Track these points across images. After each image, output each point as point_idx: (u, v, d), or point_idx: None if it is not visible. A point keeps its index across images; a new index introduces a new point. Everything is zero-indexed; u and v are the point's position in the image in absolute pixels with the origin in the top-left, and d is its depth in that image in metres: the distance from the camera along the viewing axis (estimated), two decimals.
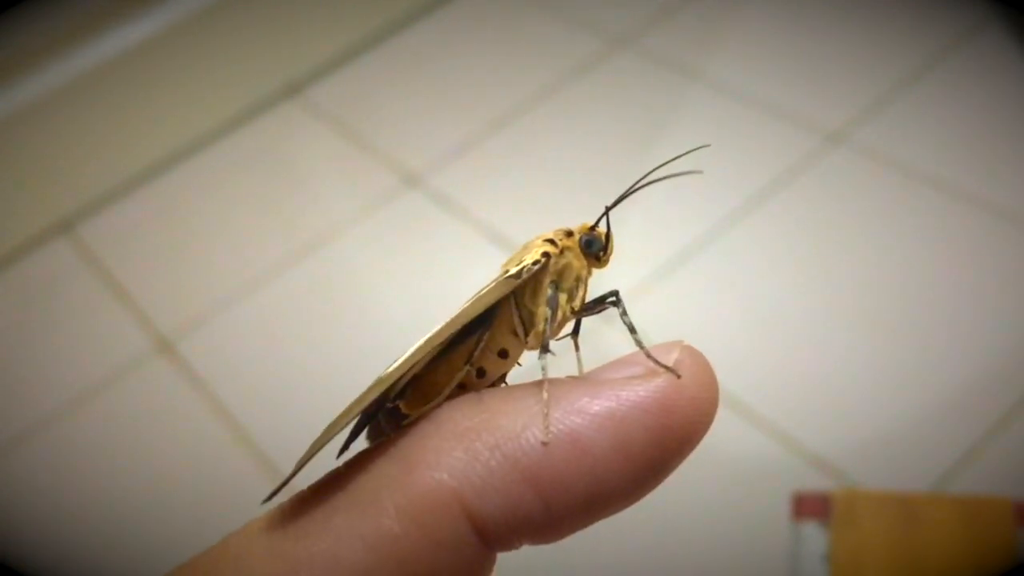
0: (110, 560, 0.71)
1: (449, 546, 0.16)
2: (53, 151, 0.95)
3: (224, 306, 0.86)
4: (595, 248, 0.20)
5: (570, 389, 0.17)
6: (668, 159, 0.21)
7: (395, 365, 0.18)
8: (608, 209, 0.21)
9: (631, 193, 0.21)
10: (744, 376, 0.71)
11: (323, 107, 1.02)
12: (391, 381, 0.18)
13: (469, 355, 0.19)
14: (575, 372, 0.19)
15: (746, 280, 0.80)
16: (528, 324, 0.20)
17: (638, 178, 0.21)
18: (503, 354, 0.20)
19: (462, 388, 0.19)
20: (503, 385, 0.20)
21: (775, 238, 0.82)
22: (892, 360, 0.72)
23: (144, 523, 0.73)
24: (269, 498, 0.18)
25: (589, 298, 0.20)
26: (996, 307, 0.74)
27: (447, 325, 0.19)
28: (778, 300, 0.78)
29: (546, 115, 0.97)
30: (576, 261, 0.20)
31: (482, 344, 0.19)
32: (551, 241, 0.20)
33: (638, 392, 0.17)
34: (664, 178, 0.21)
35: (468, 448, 0.16)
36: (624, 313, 0.20)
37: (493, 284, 0.19)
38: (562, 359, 0.20)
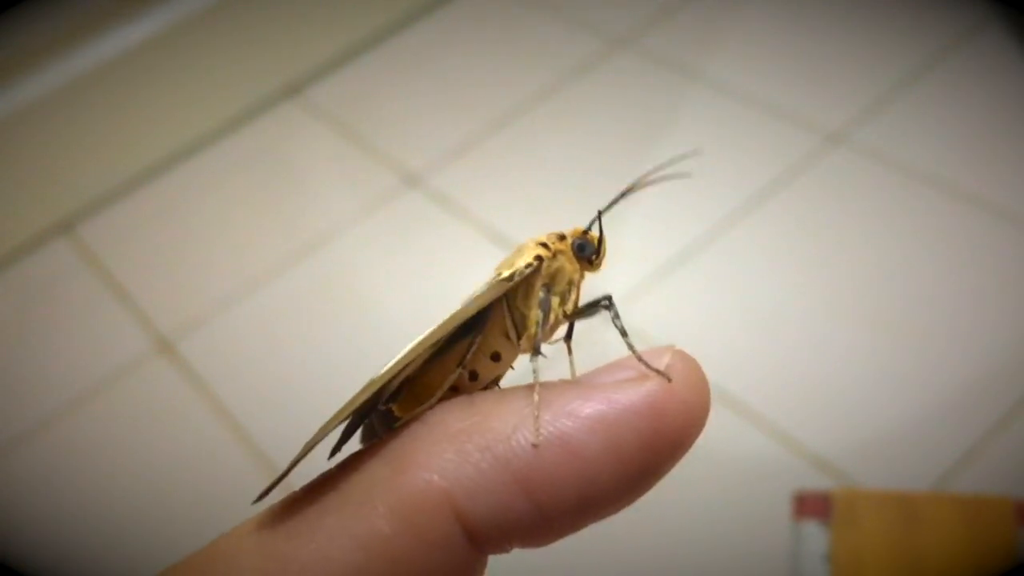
0: (110, 560, 0.71)
1: (439, 547, 0.16)
2: (53, 151, 0.95)
3: (224, 306, 0.86)
4: (588, 252, 0.20)
5: (561, 392, 0.17)
6: (666, 160, 0.21)
7: (388, 367, 0.18)
8: (600, 213, 0.21)
9: (623, 197, 0.22)
10: (744, 376, 0.71)
11: (323, 107, 1.02)
12: (383, 382, 0.18)
13: (462, 358, 0.19)
14: (568, 376, 0.19)
15: (746, 280, 0.80)
16: (521, 327, 0.20)
17: (636, 178, 0.21)
18: (496, 357, 0.20)
19: (455, 391, 0.19)
20: (496, 388, 0.20)
21: (775, 238, 0.82)
22: (892, 360, 0.72)
23: (144, 523, 0.73)
24: (260, 498, 0.18)
25: (583, 302, 0.20)
26: (996, 307, 0.74)
27: (440, 327, 0.19)
28: (778, 300, 0.78)
29: (546, 115, 0.97)
30: (569, 265, 0.20)
31: (474, 347, 0.19)
32: (544, 245, 0.20)
33: (629, 396, 0.17)
34: (654, 182, 0.21)
35: (459, 449, 0.16)
36: (616, 317, 0.20)
37: (486, 287, 0.19)
38: (556, 363, 0.20)
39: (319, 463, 0.18)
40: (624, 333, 0.19)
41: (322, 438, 0.18)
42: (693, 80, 0.96)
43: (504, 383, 0.20)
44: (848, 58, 0.95)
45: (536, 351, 0.19)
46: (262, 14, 1.02)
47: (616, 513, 0.17)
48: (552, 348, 0.20)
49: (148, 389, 0.81)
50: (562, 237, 0.20)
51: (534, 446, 0.16)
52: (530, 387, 0.17)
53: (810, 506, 0.61)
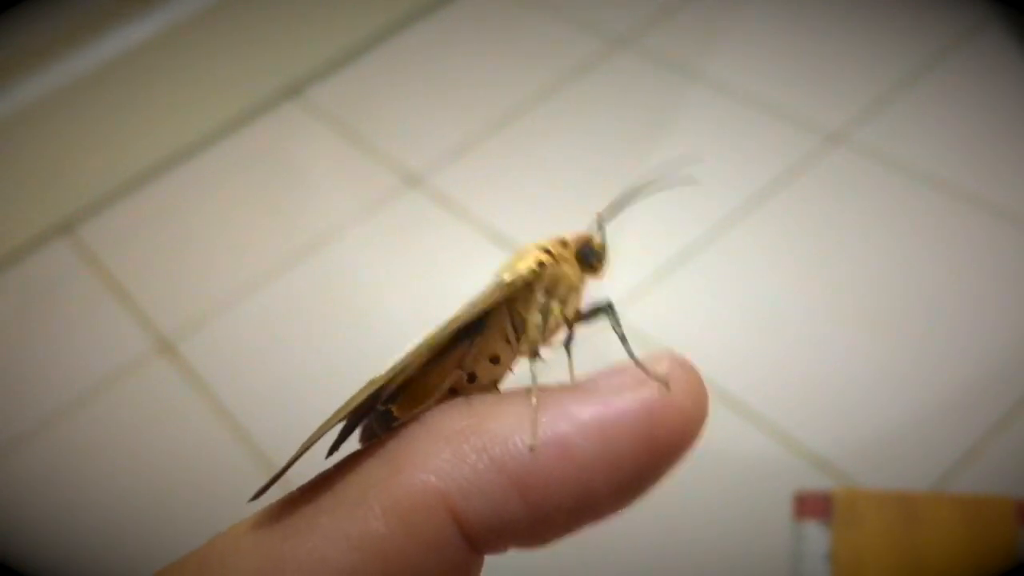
0: (110, 560, 0.71)
1: (435, 547, 0.16)
2: (53, 152, 0.95)
3: (225, 306, 0.86)
4: (591, 259, 0.20)
5: (559, 396, 0.17)
6: (668, 163, 0.21)
7: (388, 367, 0.18)
8: (604, 220, 0.21)
9: (627, 204, 0.22)
10: (744, 376, 0.71)
11: (323, 108, 1.02)
12: (382, 383, 0.18)
13: (461, 360, 0.19)
14: (566, 380, 0.19)
15: (746, 280, 0.80)
16: (521, 331, 0.20)
17: (636, 179, 0.21)
18: (495, 360, 0.20)
19: (453, 392, 0.20)
20: (494, 391, 0.20)
21: (775, 238, 0.82)
22: (892, 359, 0.72)
23: (144, 523, 0.73)
24: (256, 496, 0.18)
25: (584, 306, 0.20)
26: (996, 307, 0.74)
27: (440, 329, 0.19)
28: (778, 300, 0.78)
29: (546, 115, 0.97)
30: (571, 271, 0.20)
31: (474, 349, 0.19)
32: (547, 251, 0.20)
33: (626, 401, 0.17)
34: (659, 189, 0.21)
35: (455, 451, 0.16)
36: (617, 324, 0.20)
37: (487, 290, 0.19)
38: (555, 367, 0.20)
39: (317, 463, 0.18)
40: (624, 339, 0.19)
41: (320, 437, 0.18)
42: (693, 80, 0.96)
43: (503, 386, 0.20)
44: (848, 58, 0.95)
45: (535, 355, 0.19)
46: (262, 14, 1.02)
47: (612, 516, 0.17)
48: (551, 352, 0.20)
49: (148, 389, 0.81)
50: (565, 243, 0.20)
51: (530, 449, 0.16)
52: (528, 390, 0.17)
53: (811, 506, 0.61)
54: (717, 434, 0.75)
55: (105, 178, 0.97)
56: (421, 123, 0.99)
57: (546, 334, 0.20)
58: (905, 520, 0.59)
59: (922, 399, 0.69)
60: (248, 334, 0.84)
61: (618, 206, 0.21)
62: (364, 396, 0.18)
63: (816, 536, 0.60)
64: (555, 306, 0.20)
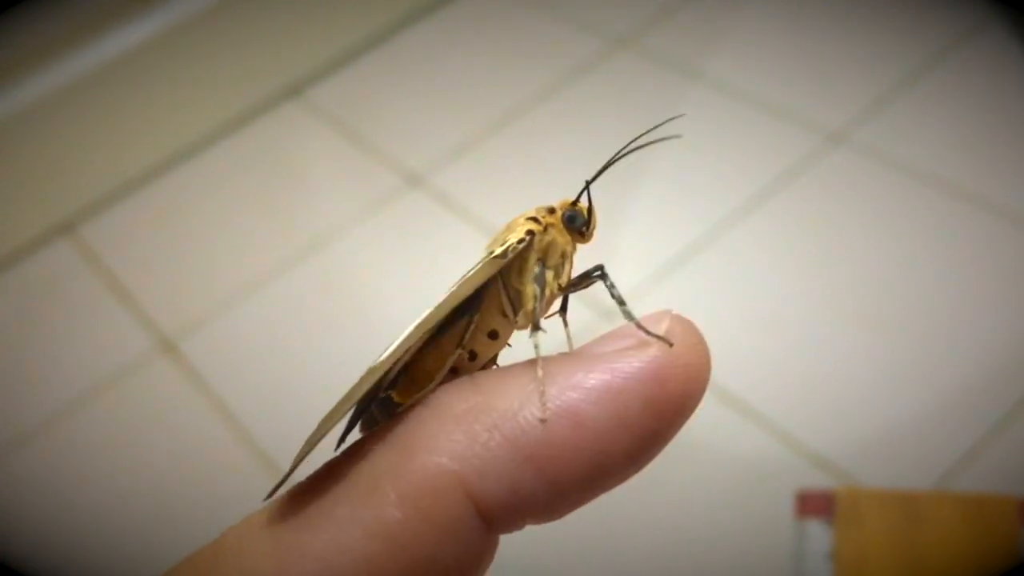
0: (111, 560, 0.71)
1: (452, 530, 0.16)
2: (54, 152, 0.95)
3: (226, 306, 0.86)
4: (578, 223, 0.20)
5: (564, 365, 0.17)
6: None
7: (386, 354, 0.18)
8: (588, 183, 0.21)
9: (611, 164, 0.22)
10: (745, 376, 0.71)
11: (324, 107, 1.02)
12: (384, 370, 0.18)
13: (460, 339, 0.19)
14: (563, 349, 0.19)
15: (746, 280, 0.80)
16: (516, 304, 0.20)
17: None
18: (493, 335, 0.20)
19: (454, 372, 0.19)
20: (494, 367, 0.20)
21: (775, 238, 0.82)
22: (893, 358, 0.72)
23: (146, 523, 0.73)
24: (270, 495, 0.18)
25: (575, 274, 0.20)
26: (996, 307, 0.74)
27: (436, 310, 0.19)
28: (778, 300, 0.78)
29: (546, 115, 0.97)
30: (560, 237, 0.20)
31: (473, 326, 0.19)
32: (534, 219, 0.20)
33: (633, 364, 0.17)
34: (644, 145, 0.21)
35: (467, 430, 0.16)
36: (612, 286, 0.20)
37: (479, 266, 0.19)
38: (547, 337, 0.20)
39: (324, 455, 0.18)
40: (622, 302, 0.19)
41: (327, 432, 0.18)
42: (693, 80, 0.96)
43: (500, 360, 0.20)
44: (848, 58, 0.95)
45: (536, 326, 0.19)
46: (262, 14, 1.02)
47: (625, 481, 0.17)
48: (545, 322, 0.20)
49: (150, 389, 0.81)
50: (551, 210, 0.20)
51: (542, 421, 0.16)
52: (532, 363, 0.17)
53: (813, 505, 0.61)
54: (718, 433, 0.75)
55: (106, 178, 0.97)
56: (421, 123, 0.99)
57: (542, 304, 0.20)
58: (907, 519, 0.59)
59: (923, 398, 0.69)
60: (249, 333, 0.84)
61: (604, 168, 0.21)
62: (367, 386, 0.18)
63: (818, 535, 0.60)
64: (549, 275, 0.20)
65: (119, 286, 0.90)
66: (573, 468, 0.16)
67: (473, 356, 0.20)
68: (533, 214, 0.20)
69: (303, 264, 0.88)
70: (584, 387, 0.17)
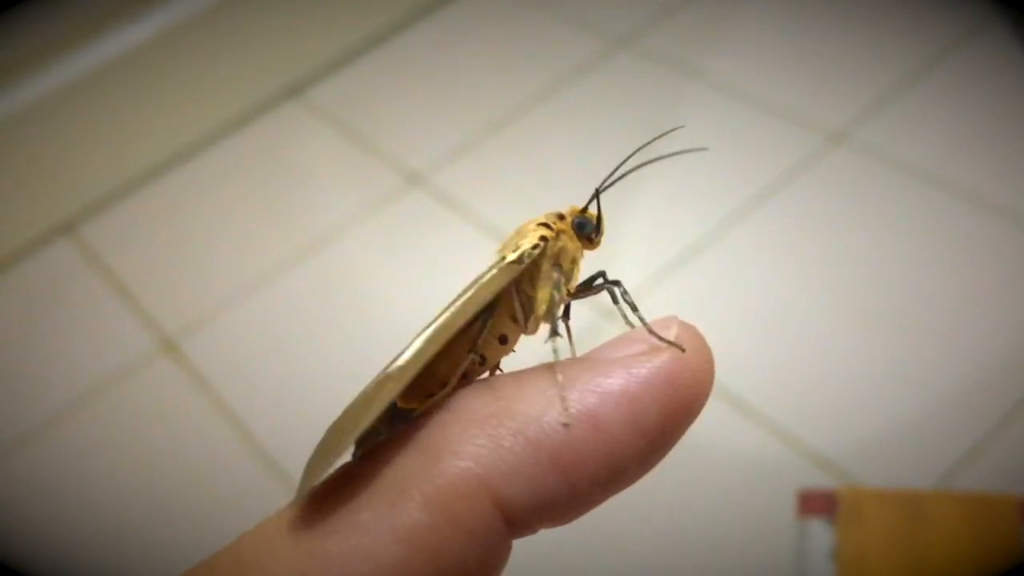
0: (112, 560, 0.71)
1: (478, 534, 0.16)
2: (55, 152, 0.95)
3: (227, 306, 0.86)
4: (588, 230, 0.21)
5: (582, 370, 0.17)
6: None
7: (405, 361, 0.18)
8: (598, 191, 0.21)
9: (622, 177, 0.22)
10: (746, 375, 0.71)
11: (324, 107, 1.02)
12: (407, 380, 0.18)
13: (472, 343, 0.19)
14: (551, 357, 0.19)
15: (747, 280, 0.80)
16: (527, 309, 0.20)
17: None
18: (503, 340, 0.20)
19: (464, 377, 0.20)
20: (498, 372, 0.20)
21: (775, 238, 0.82)
22: (894, 358, 0.72)
23: (147, 523, 0.73)
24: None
25: (580, 281, 0.21)
26: (996, 306, 0.74)
27: (453, 316, 0.19)
28: (779, 300, 0.78)
29: (546, 115, 0.97)
30: (571, 244, 0.20)
31: (486, 331, 0.19)
32: (546, 225, 0.20)
33: (648, 368, 0.17)
34: (662, 157, 0.22)
35: (491, 435, 0.17)
36: (625, 292, 0.20)
37: (495, 271, 0.19)
38: (533, 343, 0.21)
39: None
40: (634, 307, 0.20)
41: (349, 444, 0.18)
42: (693, 80, 0.96)
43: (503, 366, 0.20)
44: (848, 58, 0.95)
45: (554, 331, 0.19)
46: (262, 14, 1.02)
47: (635, 482, 0.17)
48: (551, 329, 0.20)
49: (151, 389, 0.81)
50: (561, 216, 0.21)
51: (565, 425, 0.17)
52: (547, 367, 0.18)
53: (815, 504, 0.61)
54: (720, 434, 0.75)
55: (106, 178, 0.97)
56: (421, 123, 0.99)
57: (555, 309, 0.20)
58: (909, 518, 0.59)
59: (924, 397, 0.69)
60: (250, 333, 0.84)
61: (615, 178, 0.22)
62: (389, 396, 0.18)
63: (820, 534, 0.60)
64: (561, 281, 0.20)
65: (120, 286, 0.90)
66: (592, 471, 0.17)
67: (483, 361, 0.20)
68: (544, 220, 0.20)
69: (304, 264, 0.88)
70: (604, 391, 0.17)
